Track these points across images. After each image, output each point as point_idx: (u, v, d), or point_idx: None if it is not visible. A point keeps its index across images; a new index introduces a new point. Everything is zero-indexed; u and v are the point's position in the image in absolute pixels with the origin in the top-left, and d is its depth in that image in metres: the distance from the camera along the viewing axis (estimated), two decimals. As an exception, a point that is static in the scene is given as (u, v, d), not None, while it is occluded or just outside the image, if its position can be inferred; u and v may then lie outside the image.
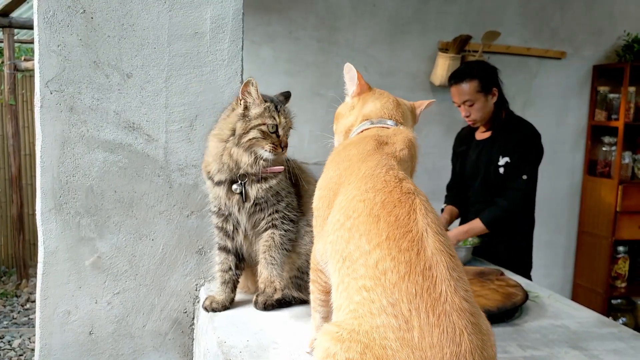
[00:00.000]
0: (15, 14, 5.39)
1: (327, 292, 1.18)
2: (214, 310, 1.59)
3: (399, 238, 0.97)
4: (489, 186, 2.64)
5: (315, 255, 1.22)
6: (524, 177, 2.53)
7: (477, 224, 2.52)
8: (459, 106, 2.67)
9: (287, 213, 1.58)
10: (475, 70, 2.64)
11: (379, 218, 1.00)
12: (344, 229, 1.04)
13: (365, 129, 1.31)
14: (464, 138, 2.88)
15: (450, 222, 2.80)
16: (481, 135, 2.75)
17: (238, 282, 1.65)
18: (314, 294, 1.28)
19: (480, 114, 2.63)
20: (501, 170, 2.57)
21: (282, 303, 1.61)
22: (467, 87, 2.60)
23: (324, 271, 1.18)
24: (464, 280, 0.97)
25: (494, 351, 0.96)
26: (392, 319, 0.90)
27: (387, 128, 1.29)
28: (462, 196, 2.84)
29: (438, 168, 3.97)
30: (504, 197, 2.53)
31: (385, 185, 1.07)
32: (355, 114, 1.36)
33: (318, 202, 1.24)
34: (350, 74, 1.41)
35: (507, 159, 2.58)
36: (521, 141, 2.59)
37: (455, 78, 2.67)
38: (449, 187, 2.96)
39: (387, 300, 0.91)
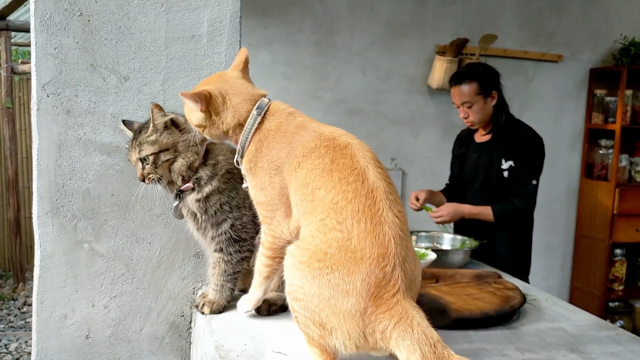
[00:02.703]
0: (12, 17, 5.39)
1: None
2: (203, 307, 1.59)
3: (347, 175, 1.17)
4: (489, 189, 2.65)
5: (282, 236, 1.32)
6: (534, 182, 2.57)
7: (487, 211, 2.57)
8: (458, 107, 2.68)
9: (234, 233, 1.56)
10: (476, 73, 2.65)
11: (331, 170, 1.19)
12: (308, 195, 1.21)
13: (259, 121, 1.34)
14: (463, 140, 2.88)
15: (426, 200, 2.74)
16: (481, 137, 2.75)
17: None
18: (267, 263, 1.38)
19: (478, 116, 2.64)
20: (505, 174, 2.58)
21: (284, 308, 1.60)
22: (466, 89, 2.61)
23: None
24: (398, 203, 1.19)
25: (417, 270, 1.17)
26: (338, 232, 1.12)
27: (271, 114, 1.34)
28: (455, 201, 2.84)
29: (435, 171, 3.97)
30: (518, 199, 2.55)
31: (325, 152, 1.22)
32: (229, 114, 1.34)
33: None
34: (190, 100, 1.35)
35: (510, 162, 2.58)
36: (526, 145, 2.59)
37: (455, 79, 2.68)
38: (442, 192, 2.96)
39: (336, 220, 1.13)
